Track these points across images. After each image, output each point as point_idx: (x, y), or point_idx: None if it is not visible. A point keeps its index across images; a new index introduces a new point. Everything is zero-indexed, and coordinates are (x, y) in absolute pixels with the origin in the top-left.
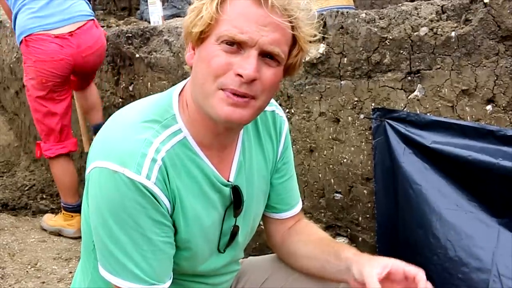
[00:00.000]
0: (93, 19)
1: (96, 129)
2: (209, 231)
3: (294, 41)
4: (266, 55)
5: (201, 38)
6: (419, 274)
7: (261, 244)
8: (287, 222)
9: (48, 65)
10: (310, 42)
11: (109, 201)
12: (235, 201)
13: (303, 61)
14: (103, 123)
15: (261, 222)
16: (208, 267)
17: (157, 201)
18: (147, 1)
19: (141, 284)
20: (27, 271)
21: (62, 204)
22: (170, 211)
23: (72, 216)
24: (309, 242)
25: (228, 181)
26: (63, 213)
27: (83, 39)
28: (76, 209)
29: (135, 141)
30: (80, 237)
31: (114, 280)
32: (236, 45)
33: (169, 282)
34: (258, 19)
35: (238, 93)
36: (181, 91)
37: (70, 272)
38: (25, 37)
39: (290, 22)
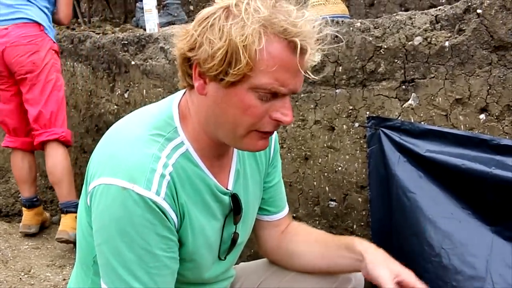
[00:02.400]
0: (38, 23)
1: (65, 208)
2: (212, 241)
3: None
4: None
5: (230, 83)
6: None
7: (255, 251)
8: (279, 225)
9: None
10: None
11: (116, 219)
12: (235, 208)
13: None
14: (74, 203)
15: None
16: (211, 275)
17: (166, 216)
18: (143, 9)
19: None
20: (20, 278)
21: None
22: (177, 226)
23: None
24: (312, 241)
25: (227, 189)
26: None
27: (17, 31)
28: (23, 204)
29: (143, 156)
30: (35, 234)
31: None
32: (272, 94)
33: None
34: (294, 67)
35: (272, 132)
36: (179, 102)
37: (64, 279)
38: None
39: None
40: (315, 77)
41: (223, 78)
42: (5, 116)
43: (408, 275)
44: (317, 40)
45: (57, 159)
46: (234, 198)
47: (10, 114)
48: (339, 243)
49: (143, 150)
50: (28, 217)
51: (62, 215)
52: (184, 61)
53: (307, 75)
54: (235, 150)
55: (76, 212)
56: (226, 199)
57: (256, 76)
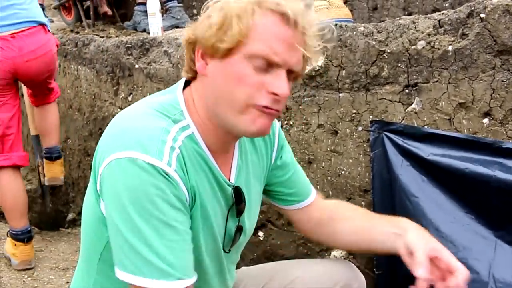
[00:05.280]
0: (42, 24)
1: (48, 152)
2: (217, 230)
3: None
4: (289, 72)
5: (226, 53)
6: (460, 270)
7: (258, 255)
8: (310, 209)
9: None
10: (315, 53)
11: (130, 191)
12: (237, 201)
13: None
14: (58, 147)
15: (264, 231)
16: (214, 268)
17: (178, 189)
18: (143, 12)
19: (166, 279)
20: (23, 281)
21: (10, 230)
22: (189, 203)
23: (15, 245)
24: (354, 218)
25: (229, 181)
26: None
27: (26, 43)
28: (19, 238)
29: (154, 128)
30: (24, 270)
31: (135, 280)
32: (267, 64)
33: (195, 278)
34: (288, 39)
35: (272, 109)
36: (183, 90)
37: (67, 282)
38: None
39: (305, 42)
40: (311, 66)
41: (218, 47)
42: (6, 127)
43: (446, 253)
44: (314, 22)
45: (53, 111)
46: (237, 190)
47: (11, 126)
48: (382, 218)
49: (153, 123)
50: (20, 254)
51: (50, 163)
52: (189, 46)
53: (305, 53)
54: (237, 146)
55: (61, 157)
56: (229, 190)
57: (250, 44)
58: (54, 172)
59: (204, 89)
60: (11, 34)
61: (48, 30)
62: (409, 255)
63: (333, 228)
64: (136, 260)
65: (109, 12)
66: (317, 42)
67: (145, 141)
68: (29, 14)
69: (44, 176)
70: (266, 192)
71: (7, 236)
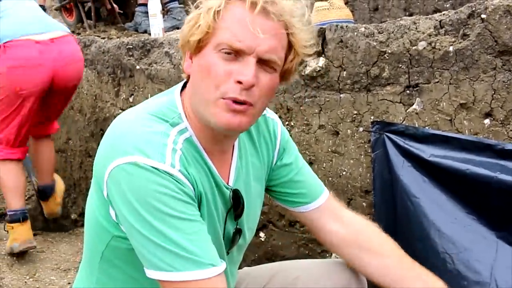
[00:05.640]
0: (72, 35)
1: (43, 190)
2: (218, 231)
3: (290, 46)
4: (263, 62)
5: (199, 46)
6: None
7: (260, 256)
8: (322, 213)
9: (26, 71)
10: (306, 46)
11: (137, 193)
12: (235, 204)
13: (304, 74)
14: (52, 185)
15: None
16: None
17: (185, 188)
18: (144, 13)
19: (199, 268)
20: (25, 282)
21: (7, 212)
22: (197, 200)
23: (12, 228)
24: (382, 254)
25: (228, 184)
26: (8, 228)
27: (65, 48)
28: (16, 217)
29: (154, 133)
30: (26, 251)
31: (170, 276)
32: (234, 53)
33: (224, 264)
34: (254, 25)
35: (238, 101)
36: (180, 94)
37: (69, 283)
38: (4, 43)
39: (286, 28)
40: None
41: (190, 41)
42: (22, 127)
43: None
44: (292, 11)
45: (50, 149)
46: (235, 194)
47: (28, 124)
48: (413, 269)
49: (152, 128)
50: (24, 231)
51: (42, 201)
52: (183, 50)
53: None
54: (236, 148)
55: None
56: (227, 193)
57: (217, 34)
58: (50, 208)
59: (190, 88)
60: (50, 38)
61: (76, 40)
62: None
63: (361, 256)
64: (164, 257)
65: (117, 9)
66: (307, 36)
67: (145, 146)
68: (56, 23)
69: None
70: (271, 193)
71: (4, 228)
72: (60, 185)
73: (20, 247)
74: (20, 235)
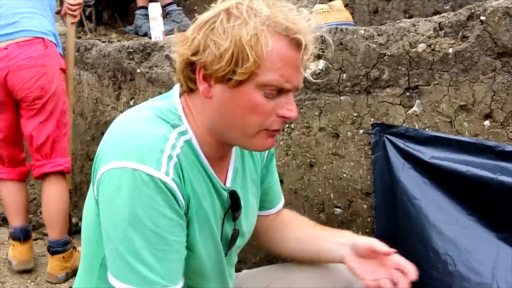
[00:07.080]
0: (42, 38)
1: (52, 246)
2: (215, 233)
3: None
4: None
5: (237, 81)
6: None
7: (261, 258)
8: (275, 217)
9: None
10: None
11: (124, 200)
12: (233, 205)
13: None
14: (64, 241)
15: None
16: (215, 270)
17: (175, 198)
18: (145, 15)
19: (151, 286)
20: (26, 286)
21: (9, 227)
22: (184, 209)
23: (13, 245)
24: (302, 226)
25: (225, 185)
26: (10, 242)
27: (19, 52)
28: (16, 236)
29: (153, 136)
30: (23, 272)
31: (120, 286)
32: (278, 91)
33: (181, 284)
34: (297, 63)
35: (279, 130)
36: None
37: (70, 287)
38: None
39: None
40: (312, 79)
41: (230, 78)
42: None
43: (378, 244)
44: (314, 37)
45: (56, 193)
46: (232, 195)
47: (6, 144)
48: (328, 228)
49: (152, 131)
50: (24, 251)
51: (49, 256)
52: (186, 66)
53: (305, 74)
54: (233, 150)
55: (63, 251)
56: (225, 195)
57: (262, 74)
58: (53, 269)
59: (208, 110)
60: (5, 46)
61: (47, 44)
62: (355, 261)
63: (284, 235)
64: (124, 267)
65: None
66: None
67: (143, 151)
68: (31, 23)
69: None
70: None
71: (9, 237)
72: None
73: (16, 267)
74: (19, 254)
